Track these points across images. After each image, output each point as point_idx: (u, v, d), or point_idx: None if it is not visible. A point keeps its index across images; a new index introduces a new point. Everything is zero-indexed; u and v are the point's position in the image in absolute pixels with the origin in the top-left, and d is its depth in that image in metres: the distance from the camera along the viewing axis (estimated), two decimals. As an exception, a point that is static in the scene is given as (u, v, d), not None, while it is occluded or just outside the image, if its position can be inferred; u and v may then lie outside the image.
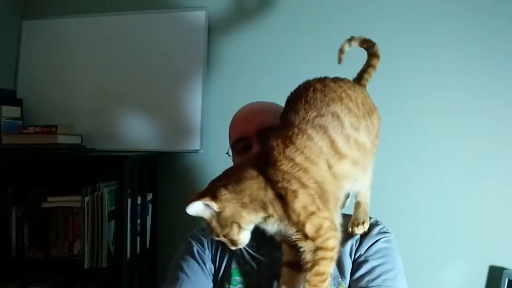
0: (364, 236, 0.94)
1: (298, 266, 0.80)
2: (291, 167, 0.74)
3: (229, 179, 0.78)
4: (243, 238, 0.78)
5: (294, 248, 0.79)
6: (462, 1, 1.58)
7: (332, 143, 0.77)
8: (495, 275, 1.53)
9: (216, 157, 1.63)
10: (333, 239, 0.76)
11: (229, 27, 1.74)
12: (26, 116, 1.78)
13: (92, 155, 1.65)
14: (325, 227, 0.75)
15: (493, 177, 1.55)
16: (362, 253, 0.91)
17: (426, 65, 1.60)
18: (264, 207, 0.75)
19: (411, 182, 1.60)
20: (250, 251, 0.87)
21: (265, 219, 0.77)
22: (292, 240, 0.77)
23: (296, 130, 0.78)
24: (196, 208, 0.76)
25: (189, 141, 1.70)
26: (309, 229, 0.74)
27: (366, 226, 0.95)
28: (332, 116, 0.79)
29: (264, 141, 0.82)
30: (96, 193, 1.48)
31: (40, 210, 1.56)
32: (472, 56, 1.57)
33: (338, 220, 0.79)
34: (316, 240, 0.75)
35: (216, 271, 0.97)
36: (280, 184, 0.74)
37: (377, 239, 0.93)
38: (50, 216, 1.56)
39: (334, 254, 0.77)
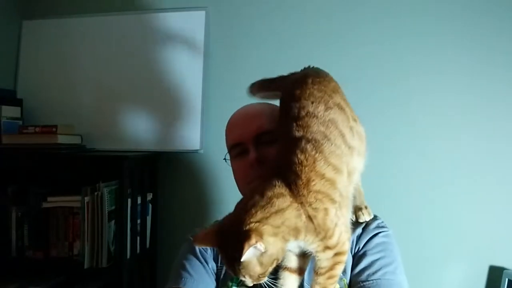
0: (363, 230, 0.94)
1: (299, 271, 0.80)
2: (323, 184, 0.71)
3: (263, 212, 0.69)
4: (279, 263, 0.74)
5: (305, 256, 0.79)
6: (462, 1, 1.58)
7: (343, 137, 0.76)
8: (495, 275, 1.53)
9: (216, 157, 1.63)
10: (347, 242, 0.76)
11: (229, 27, 1.74)
12: (26, 116, 1.78)
13: (92, 155, 1.65)
14: (343, 233, 0.74)
15: (493, 177, 1.55)
16: (361, 247, 0.91)
17: (426, 65, 1.60)
18: (296, 234, 0.71)
19: (411, 182, 1.60)
20: None
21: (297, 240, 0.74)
22: (310, 252, 0.76)
23: (316, 135, 0.73)
24: (249, 255, 0.67)
25: (189, 141, 1.70)
26: (333, 240, 0.73)
27: (370, 211, 0.96)
28: (339, 108, 0.79)
29: (281, 149, 0.77)
30: (96, 193, 1.48)
31: (40, 210, 1.56)
32: (472, 56, 1.57)
33: (349, 220, 0.79)
34: (335, 248, 0.74)
35: (219, 269, 0.97)
36: (313, 205, 0.70)
37: (375, 233, 0.93)
38: (50, 216, 1.56)
39: (347, 256, 0.77)
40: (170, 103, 1.72)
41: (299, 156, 0.72)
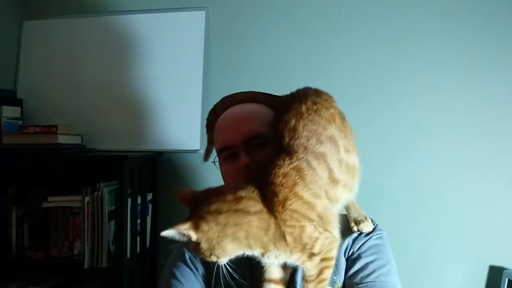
0: (358, 233, 0.95)
1: (283, 282, 0.83)
2: (299, 205, 0.72)
3: (223, 205, 0.72)
4: (220, 261, 0.75)
5: (288, 267, 0.81)
6: (463, 1, 1.58)
7: (330, 171, 0.77)
8: (495, 275, 1.53)
9: (216, 157, 1.63)
10: (334, 250, 0.78)
11: (229, 27, 1.74)
12: (27, 116, 1.78)
13: (92, 155, 1.65)
14: (327, 243, 0.76)
15: (493, 177, 1.55)
16: (355, 251, 0.92)
17: (426, 65, 1.60)
18: (264, 246, 0.73)
19: (411, 182, 1.60)
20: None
21: (263, 254, 0.74)
22: (295, 264, 0.78)
23: (302, 163, 0.74)
24: (171, 234, 0.72)
25: (189, 141, 1.70)
26: (316, 249, 0.74)
27: (370, 221, 0.96)
28: (331, 141, 0.78)
29: (264, 166, 0.77)
30: (96, 193, 1.48)
31: (40, 210, 1.56)
32: (472, 56, 1.57)
33: (338, 230, 0.80)
34: (320, 254, 0.75)
35: (209, 274, 0.97)
36: (288, 223, 0.72)
37: (370, 236, 0.93)
38: (50, 216, 1.56)
39: (334, 261, 0.79)
40: (170, 103, 1.72)
41: (281, 178, 0.73)
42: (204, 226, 0.70)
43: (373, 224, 0.97)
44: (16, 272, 1.63)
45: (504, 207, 1.55)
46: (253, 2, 1.73)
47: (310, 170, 0.74)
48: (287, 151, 0.76)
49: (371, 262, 0.89)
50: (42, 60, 1.84)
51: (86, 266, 1.47)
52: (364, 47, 1.64)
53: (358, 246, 0.92)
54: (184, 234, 0.72)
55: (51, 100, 1.81)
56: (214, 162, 1.02)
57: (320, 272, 0.77)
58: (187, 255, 0.99)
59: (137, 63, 1.76)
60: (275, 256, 0.75)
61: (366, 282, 0.85)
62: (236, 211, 0.71)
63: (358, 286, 0.86)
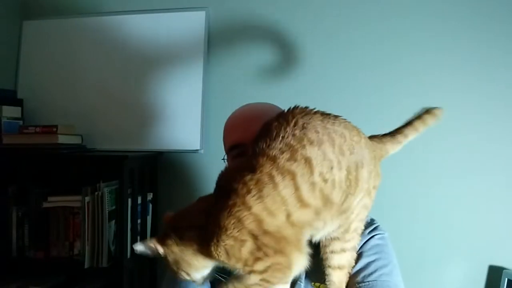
0: None
1: None
2: (245, 216, 0.68)
3: (187, 220, 0.75)
4: (196, 278, 0.75)
5: None
6: (464, 1, 1.58)
7: (297, 190, 0.71)
8: (494, 275, 1.53)
9: (216, 157, 1.62)
10: (279, 277, 0.72)
11: (229, 27, 1.74)
12: (27, 116, 1.78)
13: (92, 155, 1.66)
14: (274, 268, 0.71)
15: (493, 177, 1.56)
16: (358, 249, 0.91)
17: (425, 65, 1.60)
18: (210, 257, 0.72)
19: (411, 182, 1.60)
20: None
21: (219, 264, 0.74)
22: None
23: (264, 176, 0.70)
24: (141, 249, 0.75)
25: (189, 141, 1.70)
26: (256, 267, 0.70)
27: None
28: (305, 162, 0.71)
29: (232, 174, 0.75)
30: (96, 193, 1.49)
31: (40, 210, 1.56)
32: (471, 56, 1.57)
33: (301, 261, 0.75)
34: (261, 274, 0.71)
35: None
36: (229, 232, 0.68)
37: (371, 235, 0.94)
38: (51, 216, 1.56)
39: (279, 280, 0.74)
40: (170, 103, 1.72)
41: (239, 186, 0.70)
42: (169, 241, 0.73)
43: (374, 224, 0.97)
44: (16, 272, 1.63)
45: (504, 207, 1.55)
46: (253, 2, 1.73)
47: (270, 184, 0.69)
48: (257, 160, 0.72)
49: (373, 261, 0.89)
50: (42, 60, 1.84)
51: (86, 266, 1.47)
52: (364, 47, 1.64)
53: (361, 244, 0.91)
54: (152, 249, 0.74)
55: (51, 100, 1.81)
56: (223, 159, 1.03)
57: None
58: None
59: (137, 63, 1.76)
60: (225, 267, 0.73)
61: (368, 281, 0.85)
62: (189, 228, 0.73)
63: (360, 285, 0.85)
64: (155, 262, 1.73)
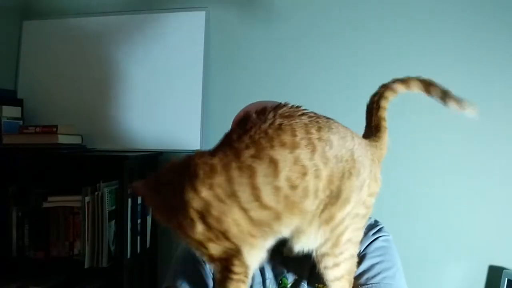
0: (364, 235, 0.94)
1: None
2: (192, 197, 0.69)
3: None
4: None
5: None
6: (462, 1, 1.58)
7: (255, 189, 0.68)
8: (494, 274, 1.54)
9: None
10: (236, 263, 0.72)
11: (229, 27, 1.75)
12: (27, 116, 1.78)
13: (92, 155, 1.66)
14: (227, 251, 0.71)
15: (493, 177, 1.56)
16: (362, 249, 0.91)
17: (425, 65, 1.60)
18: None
19: (411, 182, 1.60)
20: None
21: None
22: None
23: (220, 166, 0.69)
24: None
25: (189, 141, 1.70)
26: (212, 251, 0.71)
27: None
28: (270, 162, 0.67)
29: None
30: (96, 193, 1.49)
31: (40, 210, 1.56)
32: (471, 56, 1.57)
33: (253, 264, 0.74)
34: (220, 262, 0.72)
35: None
36: (180, 212, 0.70)
37: (375, 237, 0.93)
38: (51, 216, 1.56)
39: (241, 277, 0.73)
40: (170, 103, 1.73)
41: (197, 168, 0.70)
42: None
43: (378, 226, 0.96)
44: (16, 272, 1.64)
45: (504, 207, 1.55)
46: (253, 2, 1.73)
47: (222, 174, 0.68)
48: (224, 150, 0.71)
49: (377, 263, 0.88)
50: (42, 60, 1.84)
51: (86, 266, 1.47)
52: (364, 47, 1.64)
53: (365, 246, 0.91)
54: None
55: (52, 100, 1.81)
56: None
57: (221, 282, 0.72)
58: None
59: (138, 63, 1.76)
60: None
61: (371, 283, 0.85)
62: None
63: (363, 287, 0.85)
64: (155, 262, 1.74)
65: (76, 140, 1.68)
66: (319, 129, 0.70)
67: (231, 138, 0.72)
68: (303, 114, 0.72)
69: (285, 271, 0.91)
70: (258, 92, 1.67)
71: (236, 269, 0.71)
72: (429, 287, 1.59)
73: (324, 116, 0.75)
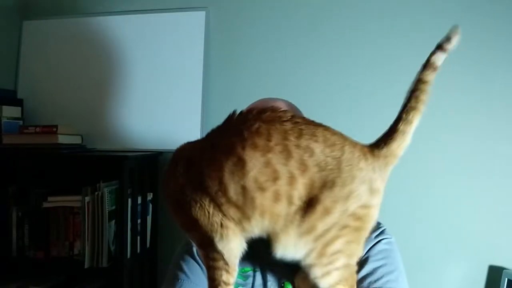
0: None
1: None
2: (173, 185, 0.77)
3: None
4: None
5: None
6: (462, 1, 1.58)
7: (221, 185, 0.69)
8: (494, 274, 1.53)
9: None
10: (212, 247, 0.74)
11: (229, 27, 1.75)
12: (27, 116, 1.78)
13: (92, 155, 1.66)
14: (206, 243, 0.74)
15: (493, 177, 1.56)
16: (365, 253, 0.90)
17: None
18: None
19: (411, 182, 1.60)
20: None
21: None
22: None
23: (195, 157, 0.75)
24: None
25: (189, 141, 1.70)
26: (192, 236, 0.78)
27: None
28: (238, 161, 0.68)
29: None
30: (96, 193, 1.48)
31: (40, 210, 1.55)
32: (471, 56, 1.57)
33: (231, 253, 0.74)
34: (201, 249, 0.77)
35: None
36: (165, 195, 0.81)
37: (378, 240, 0.93)
38: (51, 216, 1.56)
39: (221, 263, 0.75)
40: (170, 103, 1.73)
41: (175, 159, 0.79)
42: None
43: (381, 228, 0.96)
44: (16, 272, 1.64)
45: (504, 207, 1.55)
46: (253, 2, 1.73)
47: (193, 167, 0.74)
48: (209, 144, 0.76)
49: (380, 267, 0.88)
50: (42, 60, 1.84)
51: (86, 266, 1.47)
52: (364, 47, 1.64)
53: (368, 249, 0.90)
54: None
55: (52, 100, 1.81)
56: None
57: (207, 270, 0.77)
58: (194, 249, 0.98)
59: (138, 63, 1.76)
60: None
61: (374, 287, 0.85)
62: None
63: None
64: (155, 262, 1.74)
65: (76, 140, 1.68)
66: (299, 136, 0.69)
67: (210, 135, 0.78)
68: (287, 121, 0.71)
69: (288, 276, 0.90)
70: (258, 92, 1.65)
71: (214, 255, 0.75)
72: (429, 287, 1.59)
73: (318, 124, 0.73)
